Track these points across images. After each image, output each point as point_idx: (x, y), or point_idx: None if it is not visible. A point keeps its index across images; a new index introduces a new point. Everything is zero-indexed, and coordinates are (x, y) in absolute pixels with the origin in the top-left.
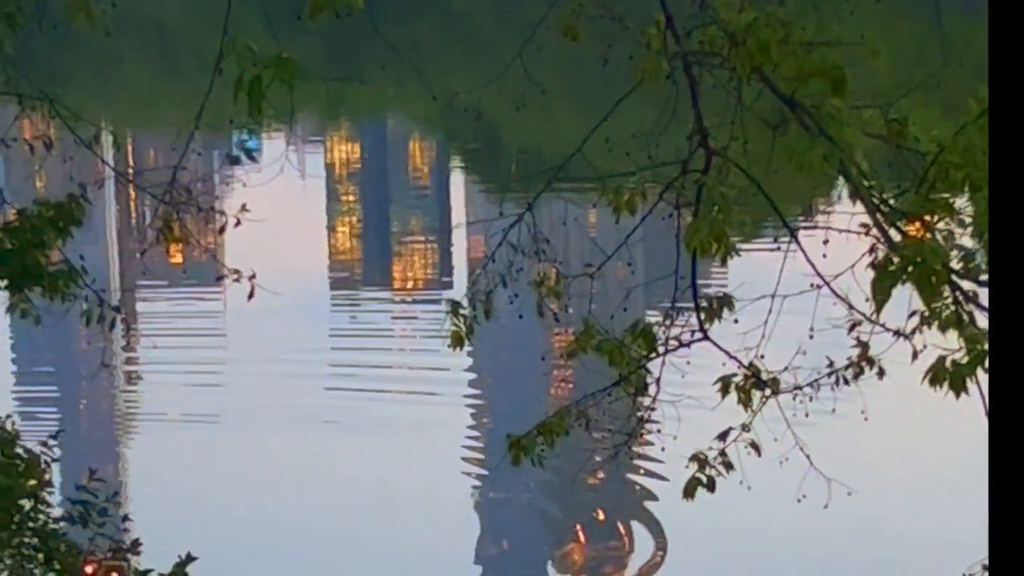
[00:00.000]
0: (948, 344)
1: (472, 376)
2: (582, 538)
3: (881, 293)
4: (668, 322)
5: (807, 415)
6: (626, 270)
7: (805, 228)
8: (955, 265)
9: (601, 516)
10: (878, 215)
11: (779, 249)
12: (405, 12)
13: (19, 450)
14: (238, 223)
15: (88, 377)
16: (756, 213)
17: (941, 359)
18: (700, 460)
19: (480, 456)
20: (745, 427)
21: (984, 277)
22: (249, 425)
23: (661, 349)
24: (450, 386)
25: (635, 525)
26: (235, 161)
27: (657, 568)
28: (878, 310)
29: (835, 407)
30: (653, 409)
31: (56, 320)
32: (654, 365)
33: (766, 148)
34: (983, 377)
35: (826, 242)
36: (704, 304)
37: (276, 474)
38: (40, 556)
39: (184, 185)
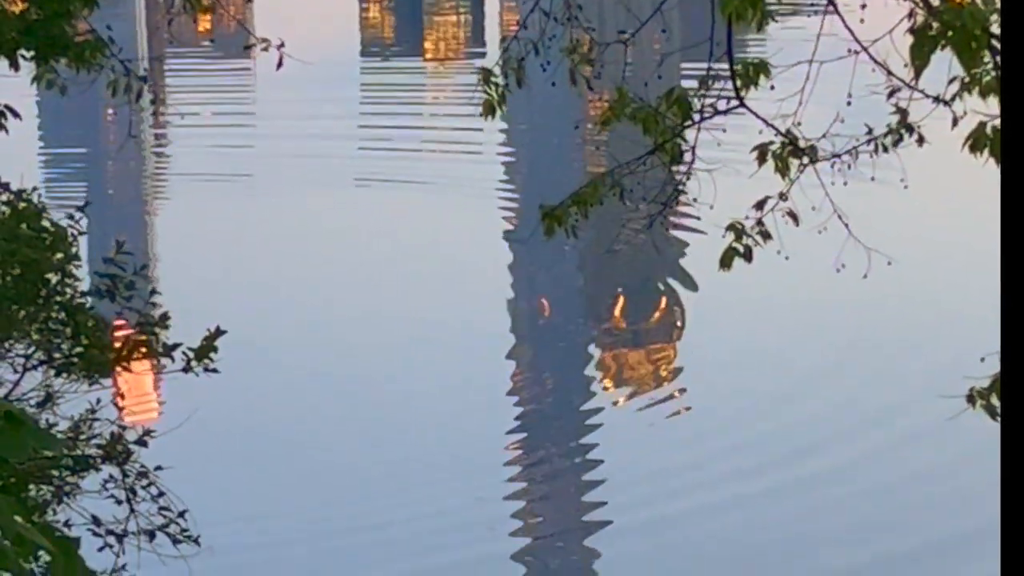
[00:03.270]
0: (989, 110)
1: (505, 147)
2: (617, 308)
3: (920, 58)
4: (703, 89)
5: (845, 183)
6: (661, 38)
7: None
8: (995, 30)
9: (636, 285)
10: None
11: (816, 15)
12: None
13: (46, 223)
14: None
15: (115, 149)
16: None
17: (981, 125)
18: (736, 230)
19: (515, 220)
20: (782, 196)
21: None
22: (281, 186)
23: (696, 117)
24: (482, 155)
25: (670, 295)
26: None
27: (693, 338)
28: (917, 76)
29: (874, 175)
30: (688, 178)
31: (82, 91)
32: (689, 133)
33: None
34: None
35: (864, 6)
36: (740, 71)
37: (308, 238)
38: (67, 331)
39: None
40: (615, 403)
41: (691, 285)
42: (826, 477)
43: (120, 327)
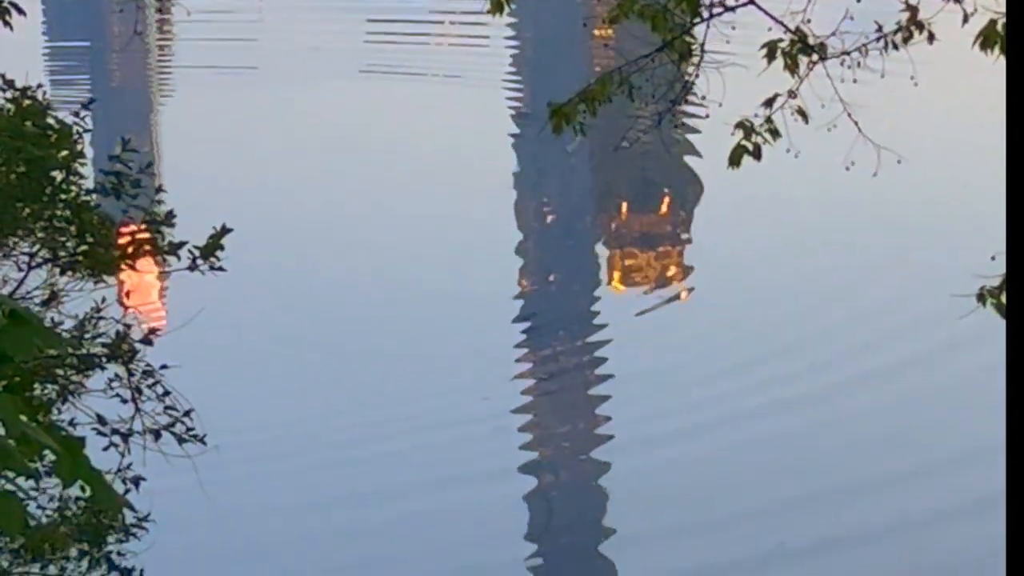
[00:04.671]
0: (999, 7)
1: (513, 42)
2: (624, 205)
3: None
4: None
5: (855, 81)
6: None
7: None
8: None
9: (644, 183)
10: None
11: None
12: None
13: (50, 120)
14: None
15: (121, 46)
16: None
17: (992, 23)
18: (745, 127)
19: (522, 117)
20: (792, 93)
21: None
22: (286, 78)
23: (705, 14)
24: (489, 49)
25: (679, 193)
26: None
27: (701, 236)
28: None
29: (884, 72)
30: (697, 75)
31: None
32: (698, 30)
33: None
34: None
35: None
36: None
37: (314, 132)
38: (72, 229)
39: None
40: (622, 300)
41: (699, 183)
42: (834, 379)
43: (125, 225)
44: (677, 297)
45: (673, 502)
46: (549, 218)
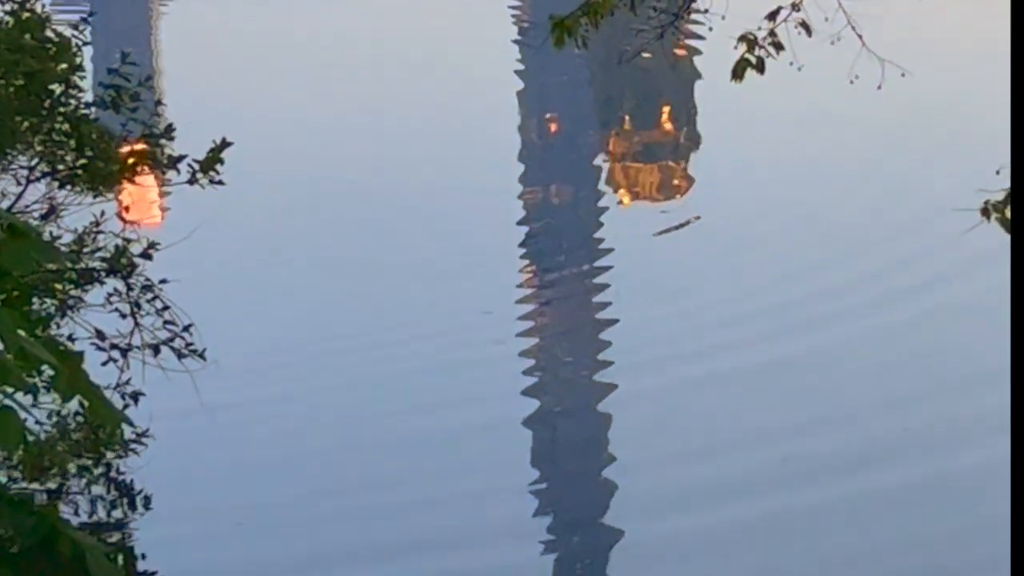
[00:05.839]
0: None
1: None
2: (627, 119)
3: None
4: None
5: None
6: None
7: None
8: None
9: (647, 97)
10: None
11: None
12: None
13: (49, 33)
14: None
15: None
16: None
17: None
18: (749, 40)
19: (525, 29)
20: (795, 6)
21: None
22: None
23: None
24: None
25: (681, 107)
26: None
27: (704, 151)
28: None
29: None
30: None
31: None
32: None
33: None
34: None
35: None
36: None
37: (315, 43)
38: (71, 142)
39: None
40: (625, 218)
41: (703, 97)
42: (839, 302)
43: (125, 139)
44: (681, 216)
45: (677, 425)
46: (551, 132)
